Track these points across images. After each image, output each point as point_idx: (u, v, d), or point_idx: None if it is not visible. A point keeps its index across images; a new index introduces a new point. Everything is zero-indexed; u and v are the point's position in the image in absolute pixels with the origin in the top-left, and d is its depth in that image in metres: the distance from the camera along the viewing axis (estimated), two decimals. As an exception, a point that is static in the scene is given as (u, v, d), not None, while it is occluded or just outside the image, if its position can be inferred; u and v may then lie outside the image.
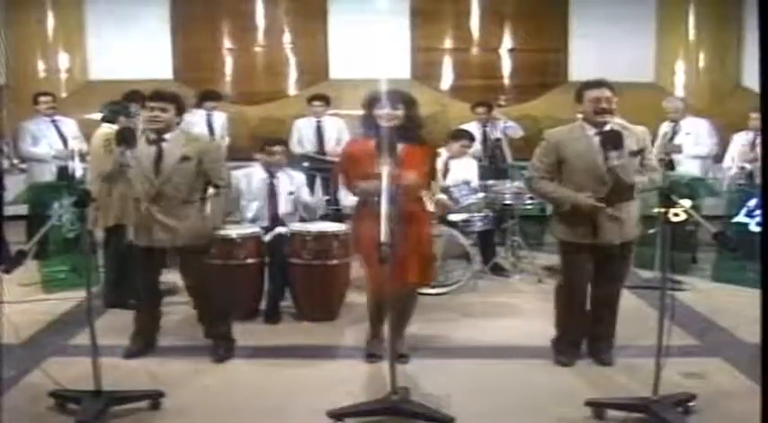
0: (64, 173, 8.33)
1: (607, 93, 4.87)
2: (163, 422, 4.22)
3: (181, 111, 5.04)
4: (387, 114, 4.83)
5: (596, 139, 4.84)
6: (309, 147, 9.54)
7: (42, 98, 8.58)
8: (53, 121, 8.53)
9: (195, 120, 9.31)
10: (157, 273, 5.32)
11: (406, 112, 4.90)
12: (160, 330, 5.39)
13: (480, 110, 9.38)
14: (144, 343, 5.23)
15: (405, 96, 4.97)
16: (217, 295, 5.27)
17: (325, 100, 9.72)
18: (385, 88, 4.98)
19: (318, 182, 9.03)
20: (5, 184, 8.28)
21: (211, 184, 5.09)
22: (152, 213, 4.91)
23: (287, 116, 10.46)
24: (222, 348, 5.17)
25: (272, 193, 6.41)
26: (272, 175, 6.42)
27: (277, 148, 6.46)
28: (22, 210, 8.10)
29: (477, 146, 9.26)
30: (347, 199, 6.06)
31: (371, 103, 4.93)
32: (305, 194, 6.63)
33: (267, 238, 6.18)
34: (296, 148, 9.50)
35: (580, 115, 5.02)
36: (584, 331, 5.17)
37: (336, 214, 8.04)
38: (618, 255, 5.00)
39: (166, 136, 4.91)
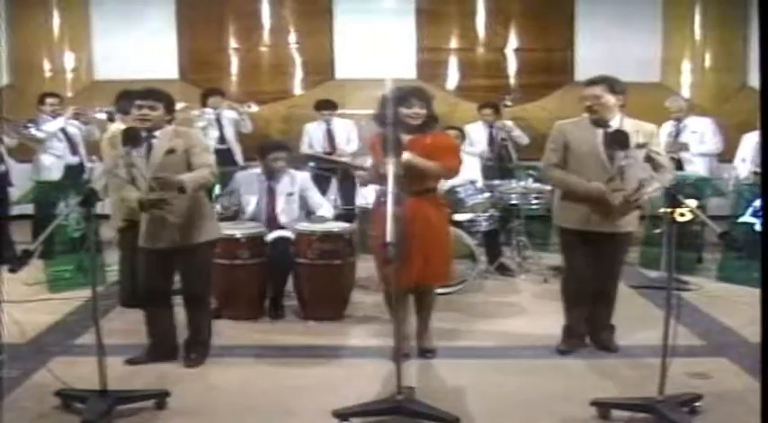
0: (70, 171, 8.36)
1: (596, 90, 5.03)
2: (168, 422, 4.22)
3: (171, 109, 5.00)
4: (414, 113, 4.98)
5: (597, 132, 5.00)
6: (320, 149, 9.56)
7: (49, 99, 8.61)
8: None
9: (206, 117, 9.33)
10: (166, 275, 5.11)
11: (427, 109, 5.05)
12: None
13: (487, 111, 9.41)
14: (165, 348, 5.11)
15: (424, 93, 5.11)
16: (209, 299, 5.25)
17: (333, 106, 9.75)
18: (406, 86, 5.14)
19: (334, 182, 9.06)
20: (12, 181, 8.33)
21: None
22: (150, 212, 4.85)
23: (293, 116, 10.49)
24: (196, 353, 5.08)
25: (270, 195, 6.41)
26: (271, 179, 6.42)
27: (278, 155, 6.41)
28: (27, 209, 8.14)
29: (483, 146, 9.29)
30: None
31: (393, 101, 5.01)
32: (312, 194, 6.60)
33: (269, 238, 6.19)
34: (307, 150, 9.55)
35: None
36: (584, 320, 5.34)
37: (347, 214, 8.04)
38: (616, 244, 5.14)
39: (156, 133, 4.89)
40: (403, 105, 4.99)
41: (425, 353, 5.21)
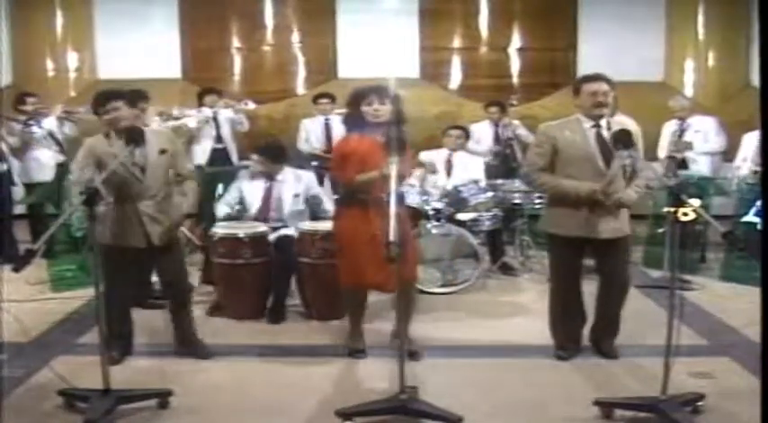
0: (62, 171, 8.33)
1: (604, 86, 4.92)
2: (171, 421, 4.22)
3: (134, 105, 5.16)
4: (375, 110, 4.89)
5: (593, 132, 4.90)
6: (317, 145, 9.56)
7: (30, 99, 8.57)
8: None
9: (203, 115, 9.29)
10: (132, 274, 5.19)
11: (393, 107, 4.93)
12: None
13: (493, 109, 9.38)
14: (124, 349, 5.12)
15: (385, 90, 5.00)
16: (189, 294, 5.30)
17: (331, 97, 9.74)
18: (366, 85, 5.03)
19: (327, 180, 9.03)
20: (15, 181, 8.33)
21: (178, 174, 5.16)
22: (141, 211, 4.87)
23: (295, 115, 10.49)
24: (200, 349, 5.17)
25: (267, 196, 6.39)
26: (269, 179, 6.41)
27: (257, 158, 6.41)
28: (23, 209, 8.15)
29: (489, 145, 9.28)
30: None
31: (359, 99, 4.97)
32: (317, 191, 6.58)
33: (272, 237, 6.18)
34: (303, 146, 9.54)
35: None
36: (579, 326, 5.24)
37: None
38: (613, 250, 5.00)
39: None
40: (363, 103, 4.93)
41: (411, 355, 5.00)
